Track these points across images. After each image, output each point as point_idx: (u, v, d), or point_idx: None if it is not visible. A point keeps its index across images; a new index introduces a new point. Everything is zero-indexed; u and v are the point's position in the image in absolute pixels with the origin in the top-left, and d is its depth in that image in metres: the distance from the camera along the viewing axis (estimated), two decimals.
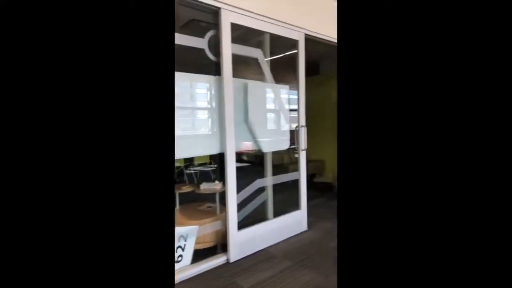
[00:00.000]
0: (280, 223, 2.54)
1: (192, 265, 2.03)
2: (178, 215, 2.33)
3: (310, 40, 2.70)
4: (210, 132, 2.16)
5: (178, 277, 1.91)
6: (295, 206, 2.71)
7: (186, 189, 2.44)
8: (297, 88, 2.63)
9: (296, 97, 2.66)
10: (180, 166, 4.63)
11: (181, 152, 1.95)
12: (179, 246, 2.00)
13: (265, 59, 2.46)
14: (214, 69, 2.10)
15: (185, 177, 4.57)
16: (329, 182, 4.26)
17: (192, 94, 2.14)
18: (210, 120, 2.18)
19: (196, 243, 2.11)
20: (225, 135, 2.09)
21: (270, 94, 2.59)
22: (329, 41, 2.88)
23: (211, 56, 2.09)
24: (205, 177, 4.32)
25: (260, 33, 2.38)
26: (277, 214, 2.57)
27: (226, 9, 2.03)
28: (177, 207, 2.50)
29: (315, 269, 2.03)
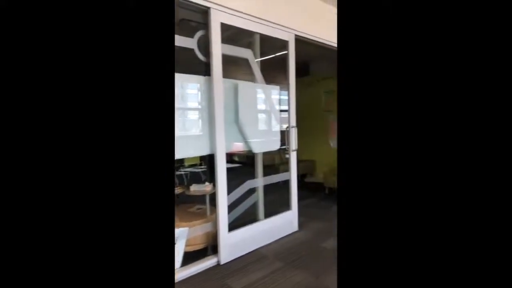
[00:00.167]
0: (271, 224, 2.53)
1: (182, 268, 2.00)
2: None
3: (300, 41, 2.71)
4: (200, 133, 2.13)
5: None
6: (286, 206, 2.72)
7: (176, 190, 2.41)
8: (288, 89, 2.64)
9: (286, 97, 2.66)
10: None
11: None
12: None
13: (256, 60, 2.45)
14: (204, 69, 2.08)
15: (175, 179, 4.52)
16: (320, 182, 4.28)
17: (181, 94, 2.11)
18: (200, 121, 2.16)
19: (186, 245, 2.09)
20: (215, 136, 2.07)
21: (260, 95, 2.58)
22: (319, 42, 2.90)
23: (200, 56, 2.07)
24: (196, 178, 4.28)
25: (250, 33, 2.38)
26: (268, 215, 2.57)
27: (215, 9, 2.01)
28: None
29: (306, 270, 2.03)
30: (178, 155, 2.38)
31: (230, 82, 2.27)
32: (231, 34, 2.24)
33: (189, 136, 2.13)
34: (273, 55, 2.97)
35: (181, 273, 1.95)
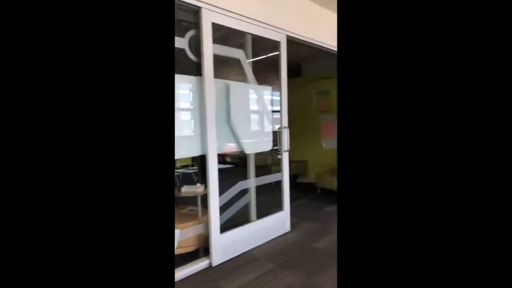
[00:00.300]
0: (263, 224, 2.53)
1: None
2: None
3: (292, 42, 2.72)
4: (192, 134, 2.11)
5: None
6: (278, 207, 2.71)
7: None
8: (280, 90, 2.64)
9: (278, 98, 2.66)
10: None
11: None
12: None
13: (247, 60, 2.45)
14: (195, 69, 2.06)
15: None
16: (312, 183, 4.30)
17: None
18: (192, 121, 2.14)
19: (178, 247, 2.06)
20: (207, 136, 2.05)
21: (252, 95, 2.58)
22: (311, 43, 2.91)
23: (191, 56, 2.05)
24: (187, 179, 4.24)
25: (241, 34, 2.37)
26: (260, 215, 2.56)
27: (207, 8, 2.00)
28: None
29: (298, 270, 2.03)
30: None
31: (222, 82, 2.25)
32: (223, 35, 2.22)
33: (181, 137, 2.10)
34: (265, 56, 2.97)
35: None
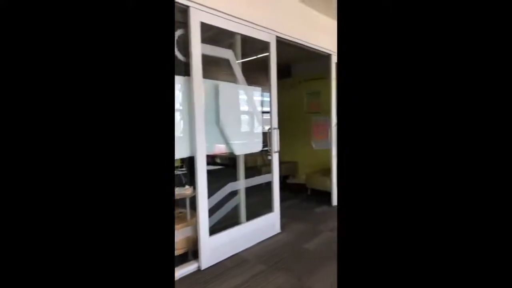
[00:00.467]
0: (253, 226, 2.51)
1: None
2: None
3: (282, 43, 2.72)
4: (181, 135, 2.07)
5: None
6: (268, 208, 2.70)
7: None
8: (269, 90, 2.63)
9: (268, 99, 2.65)
10: None
11: None
12: None
13: (237, 61, 2.43)
14: (184, 69, 2.03)
15: None
16: (302, 183, 4.31)
17: None
18: (181, 122, 2.10)
19: None
20: (195, 137, 2.02)
21: (242, 96, 2.56)
22: (301, 44, 2.91)
23: (180, 56, 2.02)
24: (176, 181, 4.17)
25: (231, 34, 2.35)
26: (250, 217, 2.54)
27: (195, 8, 1.97)
28: None
29: (288, 272, 2.02)
30: None
31: (211, 83, 2.23)
32: (212, 35, 2.20)
33: None
34: (255, 57, 2.96)
35: None
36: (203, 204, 2.09)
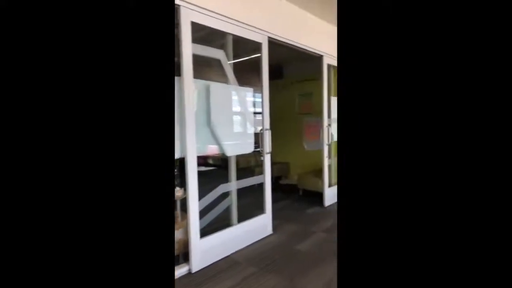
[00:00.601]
0: (245, 228, 2.49)
1: None
2: None
3: (274, 44, 2.71)
4: None
5: None
6: (260, 210, 2.69)
7: None
8: (261, 91, 2.62)
9: (260, 100, 2.64)
10: None
11: None
12: None
13: (229, 62, 2.41)
14: (174, 69, 2.00)
15: None
16: (294, 184, 4.32)
17: None
18: None
19: None
20: (186, 139, 1.99)
21: (234, 97, 2.54)
22: (293, 45, 2.92)
23: None
24: None
25: (222, 34, 2.33)
26: (241, 219, 2.52)
27: (186, 7, 1.94)
28: None
29: (280, 273, 2.01)
30: None
31: (202, 83, 2.20)
32: (204, 35, 2.17)
33: None
34: (247, 57, 2.95)
35: None
36: (194, 206, 2.06)
